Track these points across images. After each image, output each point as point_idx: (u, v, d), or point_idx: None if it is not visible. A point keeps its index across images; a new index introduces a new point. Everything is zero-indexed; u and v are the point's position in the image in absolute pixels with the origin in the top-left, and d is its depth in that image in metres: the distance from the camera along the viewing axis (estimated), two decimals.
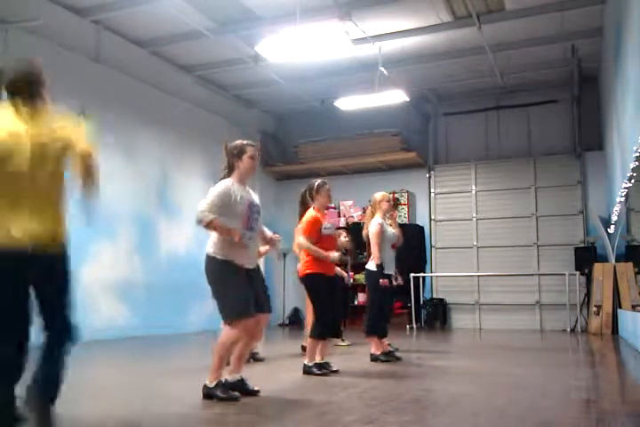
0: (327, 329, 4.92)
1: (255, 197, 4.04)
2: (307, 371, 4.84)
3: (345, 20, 7.93)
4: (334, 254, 4.88)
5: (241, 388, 3.84)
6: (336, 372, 4.91)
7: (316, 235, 4.87)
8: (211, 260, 3.80)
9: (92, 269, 8.10)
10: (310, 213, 4.97)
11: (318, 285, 4.89)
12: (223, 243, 3.76)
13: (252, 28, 8.60)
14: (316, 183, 5.06)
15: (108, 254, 8.30)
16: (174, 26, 8.58)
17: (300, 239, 4.89)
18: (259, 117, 12.58)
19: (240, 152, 3.94)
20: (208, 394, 3.69)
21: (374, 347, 5.80)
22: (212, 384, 3.69)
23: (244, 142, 4.02)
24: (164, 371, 4.99)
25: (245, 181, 4.01)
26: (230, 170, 3.98)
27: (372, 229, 5.76)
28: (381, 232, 5.72)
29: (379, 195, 5.97)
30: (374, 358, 5.74)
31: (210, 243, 3.82)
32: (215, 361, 3.74)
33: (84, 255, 8.03)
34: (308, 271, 4.91)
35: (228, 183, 3.88)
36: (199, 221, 3.72)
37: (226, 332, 3.75)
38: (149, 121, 9.48)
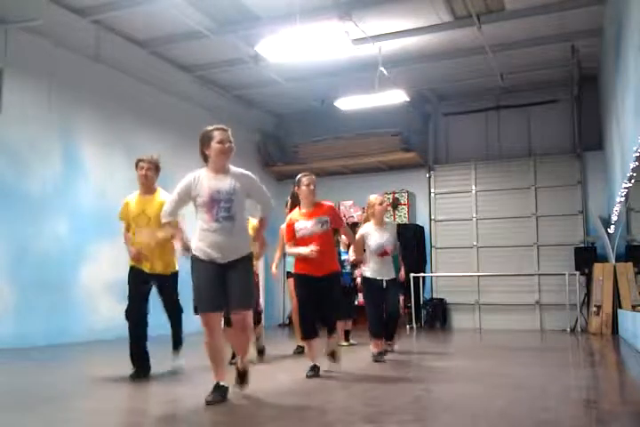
0: (302, 330, 4.88)
1: (231, 183, 3.76)
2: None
3: (345, 20, 7.93)
4: (305, 250, 4.67)
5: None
6: (316, 374, 4.73)
7: (292, 239, 4.84)
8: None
9: (92, 269, 8.11)
10: (288, 217, 4.99)
11: (296, 286, 4.94)
12: (193, 238, 3.78)
13: (251, 28, 8.59)
14: (298, 176, 4.89)
15: (108, 254, 8.29)
16: (174, 26, 8.58)
17: (286, 248, 4.96)
18: (259, 117, 12.58)
19: (207, 139, 3.78)
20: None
21: (372, 346, 5.82)
22: (213, 384, 3.67)
23: (210, 128, 3.83)
24: (163, 372, 4.98)
25: (223, 169, 3.79)
26: (205, 160, 3.84)
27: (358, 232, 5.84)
28: (361, 241, 5.74)
29: (373, 197, 5.93)
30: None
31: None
32: (211, 360, 3.74)
33: (84, 255, 8.04)
34: (292, 271, 5.01)
35: (196, 173, 3.80)
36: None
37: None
38: (149, 121, 9.48)
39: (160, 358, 4.95)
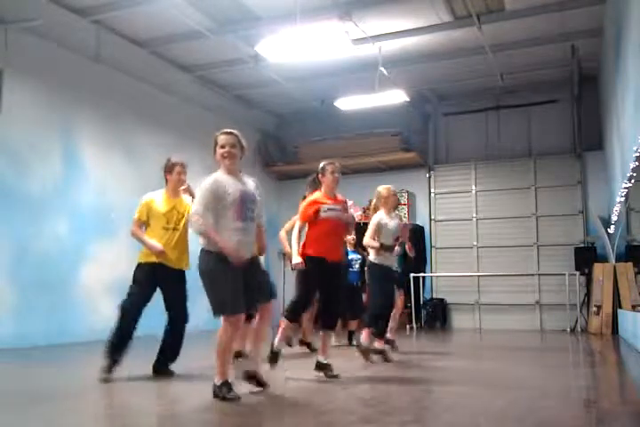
0: (298, 310, 4.81)
1: (251, 187, 3.94)
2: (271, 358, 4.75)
3: (345, 20, 7.93)
4: (297, 263, 4.66)
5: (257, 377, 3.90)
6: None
7: (312, 217, 4.68)
8: (202, 251, 3.76)
9: (92, 269, 8.11)
10: (311, 196, 4.85)
11: (306, 269, 4.69)
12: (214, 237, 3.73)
13: (251, 28, 8.60)
14: (322, 164, 4.87)
15: (108, 254, 8.30)
16: (174, 26, 8.58)
17: (294, 230, 4.80)
18: (259, 117, 12.58)
19: (214, 143, 3.91)
20: (215, 393, 3.66)
21: (367, 338, 5.74)
22: (219, 383, 3.65)
23: (217, 133, 3.94)
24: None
25: (235, 171, 3.90)
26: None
27: (372, 221, 5.76)
28: (378, 225, 5.71)
29: (383, 189, 5.91)
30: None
31: None
32: (217, 361, 3.70)
33: (84, 255, 8.04)
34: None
35: (216, 176, 3.82)
36: (193, 229, 3.78)
37: (220, 331, 3.71)
38: (149, 121, 9.48)
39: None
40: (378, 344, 5.84)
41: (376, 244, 5.64)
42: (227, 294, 3.66)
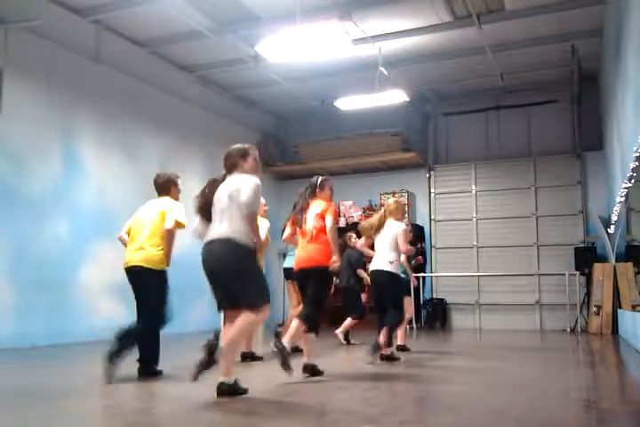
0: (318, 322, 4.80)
1: None
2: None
3: (345, 20, 7.93)
4: (336, 264, 4.65)
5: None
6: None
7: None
8: (240, 246, 3.82)
9: (92, 269, 8.11)
10: (327, 205, 4.77)
11: (328, 277, 4.77)
12: (248, 231, 3.88)
13: (252, 28, 8.60)
14: (320, 179, 4.91)
15: (108, 254, 8.28)
16: (174, 26, 8.59)
17: (329, 223, 4.62)
18: (259, 117, 12.58)
19: (246, 153, 4.10)
20: (229, 391, 3.66)
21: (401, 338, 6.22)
22: (232, 380, 3.70)
23: (250, 146, 4.18)
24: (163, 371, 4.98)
25: None
26: (233, 167, 4.04)
27: (400, 228, 5.74)
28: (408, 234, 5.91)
29: (393, 203, 5.93)
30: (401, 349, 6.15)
31: (235, 230, 3.82)
32: (232, 354, 3.77)
33: (84, 255, 8.04)
34: (325, 264, 4.64)
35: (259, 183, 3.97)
36: (252, 216, 3.88)
37: (247, 319, 3.71)
38: (149, 121, 9.48)
39: (168, 357, 4.95)
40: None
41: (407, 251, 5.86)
42: (267, 285, 3.98)
